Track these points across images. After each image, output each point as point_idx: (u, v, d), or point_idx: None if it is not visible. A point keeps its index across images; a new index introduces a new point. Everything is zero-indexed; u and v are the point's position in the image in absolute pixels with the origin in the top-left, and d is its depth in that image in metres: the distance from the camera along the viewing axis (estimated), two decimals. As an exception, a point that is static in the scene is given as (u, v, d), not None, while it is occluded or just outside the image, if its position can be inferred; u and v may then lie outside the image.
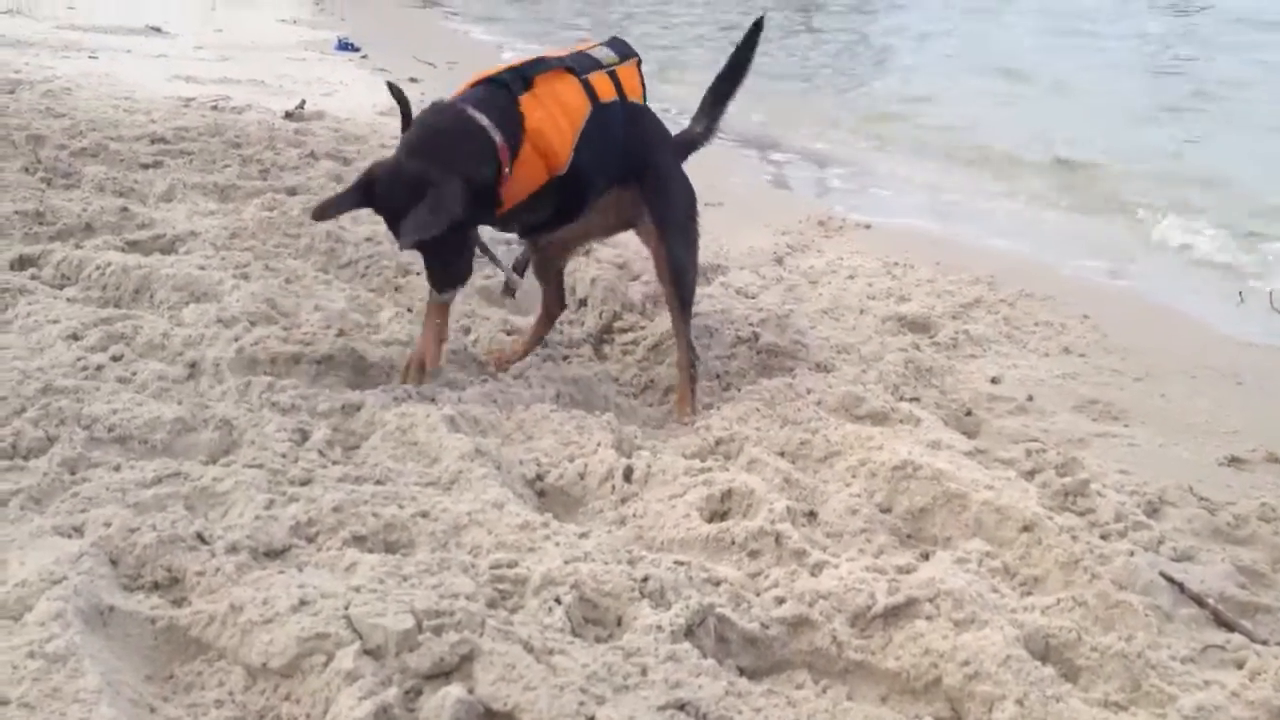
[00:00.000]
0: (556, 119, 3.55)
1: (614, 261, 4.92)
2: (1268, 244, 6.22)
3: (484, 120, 3.42)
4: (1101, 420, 3.88)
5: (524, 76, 3.56)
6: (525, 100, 3.51)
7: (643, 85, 3.90)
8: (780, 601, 2.46)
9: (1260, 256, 6.05)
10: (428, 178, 3.27)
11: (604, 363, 4.17)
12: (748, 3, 19.78)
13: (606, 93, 3.70)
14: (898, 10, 19.98)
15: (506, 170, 3.44)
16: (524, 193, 3.55)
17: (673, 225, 3.79)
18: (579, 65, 3.70)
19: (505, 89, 3.52)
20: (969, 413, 3.83)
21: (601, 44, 3.89)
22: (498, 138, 3.41)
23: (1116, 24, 16.55)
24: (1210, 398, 4.09)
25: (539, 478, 3.04)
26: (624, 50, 3.88)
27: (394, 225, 3.34)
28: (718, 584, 2.49)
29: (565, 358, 4.21)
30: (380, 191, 3.36)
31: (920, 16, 18.70)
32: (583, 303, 4.61)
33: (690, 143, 4.11)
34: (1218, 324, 5.05)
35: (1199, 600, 2.64)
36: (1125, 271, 5.96)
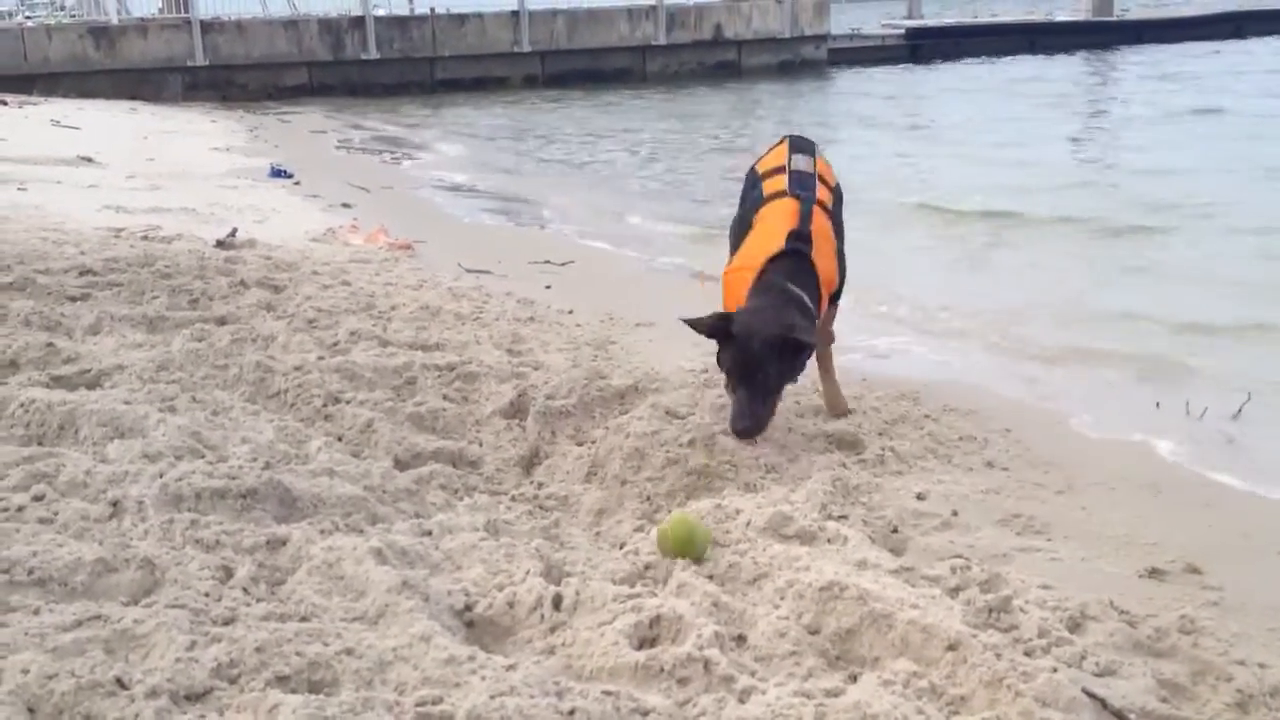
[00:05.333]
0: (829, 256, 4.78)
1: (547, 387, 4.96)
2: (1181, 353, 6.42)
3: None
4: (1025, 534, 3.94)
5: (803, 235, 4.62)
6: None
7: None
8: (708, 730, 2.46)
9: (1175, 365, 6.23)
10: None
11: (534, 487, 4.20)
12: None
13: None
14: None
15: None
16: None
17: None
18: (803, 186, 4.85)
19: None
20: (895, 530, 3.87)
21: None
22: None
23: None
24: (1130, 509, 4.17)
25: (467, 608, 3.03)
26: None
27: None
28: (645, 714, 2.48)
29: (496, 482, 4.23)
30: None
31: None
32: (520, 424, 4.66)
33: None
34: (1135, 435, 5.16)
35: (1121, 716, 2.67)
36: (1044, 385, 6.08)
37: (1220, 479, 4.62)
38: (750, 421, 4.32)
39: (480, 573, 3.18)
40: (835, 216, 5.02)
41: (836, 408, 5.07)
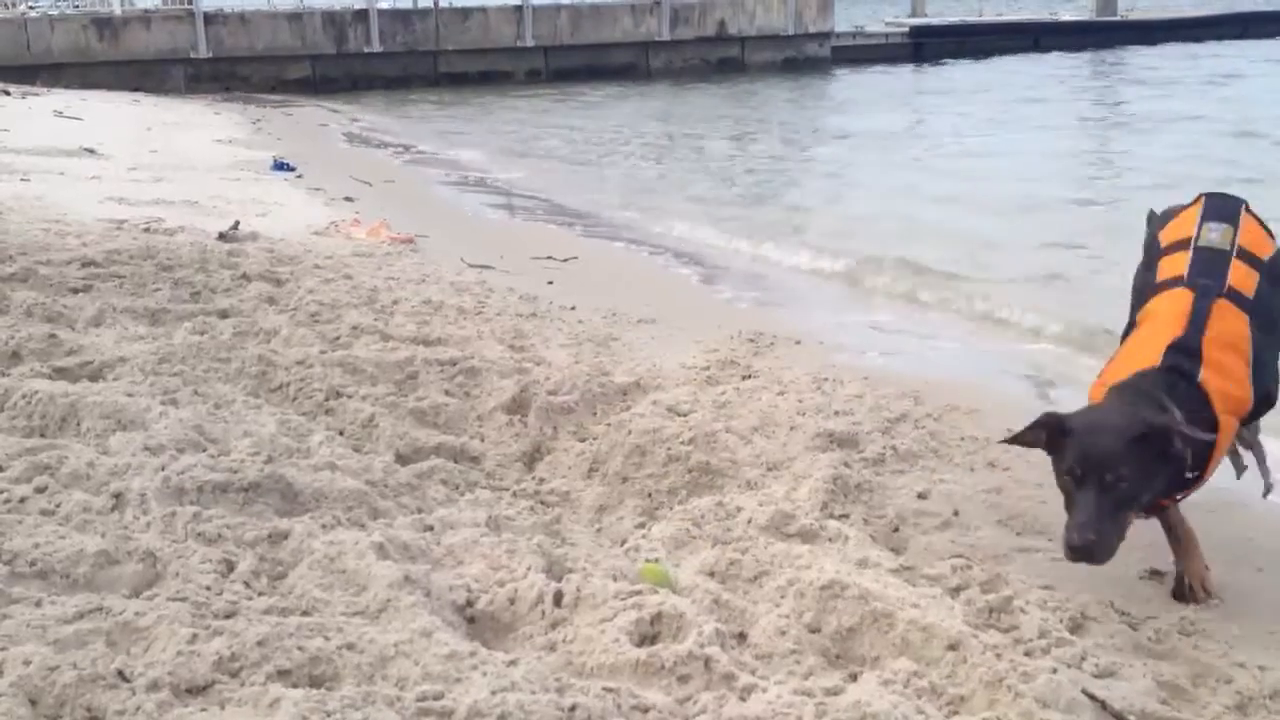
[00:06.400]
0: (1233, 369, 3.45)
1: (549, 383, 4.96)
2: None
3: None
4: (1025, 535, 3.94)
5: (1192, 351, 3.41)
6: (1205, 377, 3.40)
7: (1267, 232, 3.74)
8: (708, 728, 2.46)
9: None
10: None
11: (535, 483, 4.20)
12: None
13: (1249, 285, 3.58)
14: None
15: None
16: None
17: None
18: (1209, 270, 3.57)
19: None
20: (896, 529, 3.88)
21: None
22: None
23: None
24: (1130, 510, 4.16)
25: (469, 604, 3.03)
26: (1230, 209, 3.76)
27: None
28: (646, 711, 2.49)
29: (498, 477, 4.23)
30: None
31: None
32: (522, 419, 4.66)
33: None
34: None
35: (1120, 717, 2.67)
36: (1046, 385, 6.08)
37: (1220, 482, 4.61)
38: (1093, 535, 3.20)
39: (482, 568, 3.18)
40: (1260, 306, 3.60)
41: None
